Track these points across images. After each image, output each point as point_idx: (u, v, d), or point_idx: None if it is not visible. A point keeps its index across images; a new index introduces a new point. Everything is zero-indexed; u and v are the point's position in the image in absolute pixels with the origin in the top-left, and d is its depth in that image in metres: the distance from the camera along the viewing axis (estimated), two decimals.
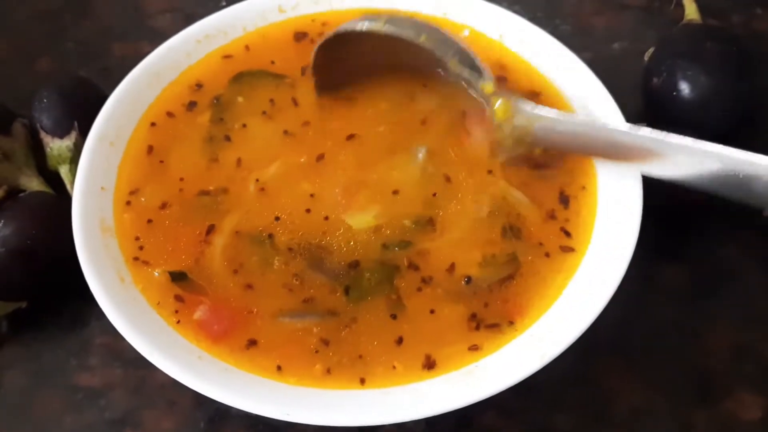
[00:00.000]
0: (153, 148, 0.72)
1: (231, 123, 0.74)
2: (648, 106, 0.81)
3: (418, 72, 0.73)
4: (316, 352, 0.61)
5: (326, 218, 0.67)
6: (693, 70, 0.75)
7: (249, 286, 0.64)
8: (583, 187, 0.69)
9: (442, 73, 0.72)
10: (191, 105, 0.75)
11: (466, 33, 0.79)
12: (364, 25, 0.69)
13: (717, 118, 0.75)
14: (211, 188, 0.69)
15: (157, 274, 0.64)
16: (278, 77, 0.77)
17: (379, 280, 0.63)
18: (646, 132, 0.64)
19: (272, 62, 0.78)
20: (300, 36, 0.80)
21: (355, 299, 0.63)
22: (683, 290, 0.73)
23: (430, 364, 0.60)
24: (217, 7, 0.82)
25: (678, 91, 0.76)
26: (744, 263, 0.74)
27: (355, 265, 0.64)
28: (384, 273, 0.64)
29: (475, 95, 0.70)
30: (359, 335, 0.61)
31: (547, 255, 0.65)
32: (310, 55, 0.74)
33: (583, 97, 0.73)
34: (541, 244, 0.66)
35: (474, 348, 0.61)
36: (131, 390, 0.68)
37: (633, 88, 0.82)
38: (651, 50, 0.82)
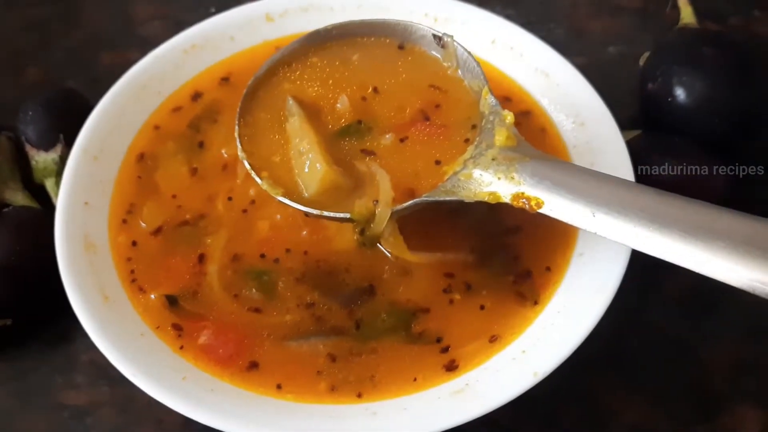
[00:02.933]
0: (140, 163, 0.71)
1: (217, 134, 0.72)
2: (643, 111, 0.80)
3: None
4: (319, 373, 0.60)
5: None
6: (689, 75, 0.74)
7: (257, 310, 0.63)
8: None
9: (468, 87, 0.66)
10: (179, 117, 0.74)
11: None
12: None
13: (713, 124, 0.73)
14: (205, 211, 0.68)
15: (153, 297, 0.63)
16: None
17: (394, 324, 0.62)
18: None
19: None
20: None
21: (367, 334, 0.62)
22: (682, 303, 0.71)
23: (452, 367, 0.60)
24: (207, 14, 0.81)
25: (673, 96, 0.74)
26: None
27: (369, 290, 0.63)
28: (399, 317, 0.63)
29: (487, 112, 0.62)
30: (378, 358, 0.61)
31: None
32: None
33: (577, 105, 0.72)
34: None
35: (494, 339, 0.61)
36: (119, 408, 0.67)
37: (628, 93, 0.81)
38: (646, 54, 0.81)
